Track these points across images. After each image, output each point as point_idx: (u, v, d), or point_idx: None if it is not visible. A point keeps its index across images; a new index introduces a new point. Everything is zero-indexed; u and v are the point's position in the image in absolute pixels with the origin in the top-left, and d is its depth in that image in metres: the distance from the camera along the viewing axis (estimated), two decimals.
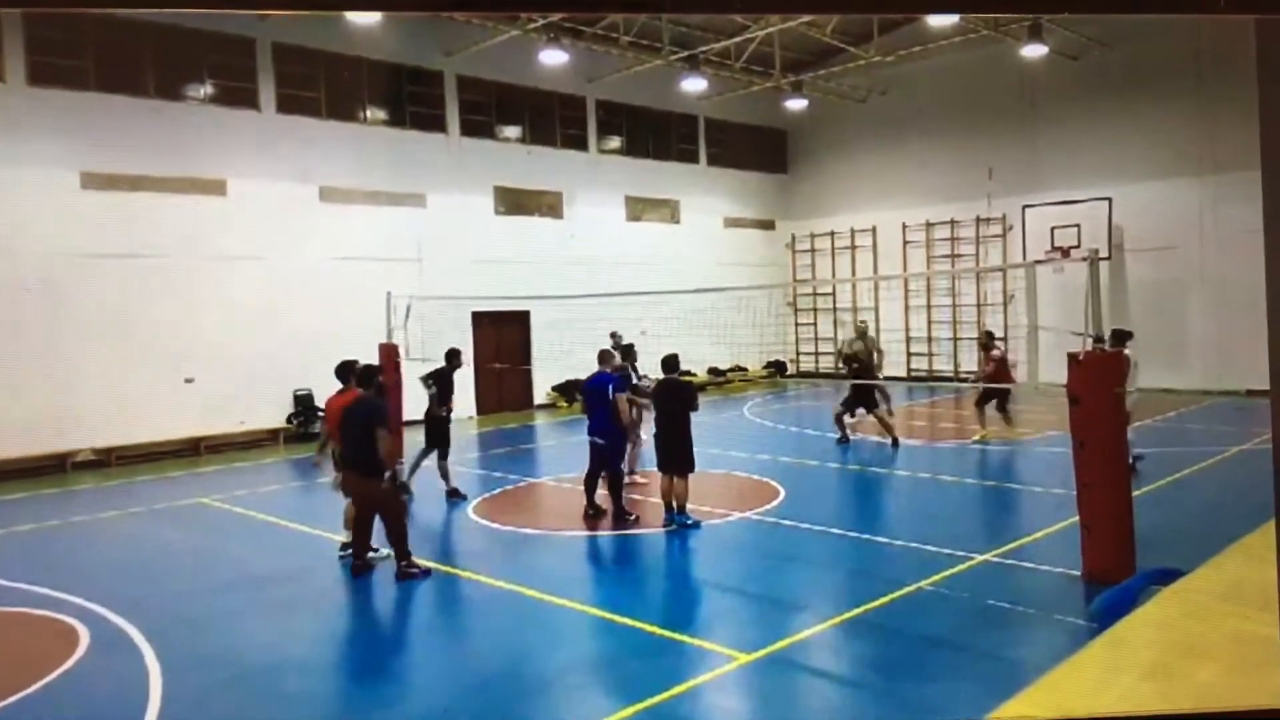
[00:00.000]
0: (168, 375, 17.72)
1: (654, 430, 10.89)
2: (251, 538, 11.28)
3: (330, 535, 10.79)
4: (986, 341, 16.50)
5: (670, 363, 10.94)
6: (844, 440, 15.91)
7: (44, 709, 6.34)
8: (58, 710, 6.39)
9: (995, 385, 15.49)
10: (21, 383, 16.01)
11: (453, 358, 12.94)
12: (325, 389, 19.11)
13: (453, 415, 12.98)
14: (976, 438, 15.98)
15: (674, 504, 10.61)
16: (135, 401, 17.28)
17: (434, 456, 12.79)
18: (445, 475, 12.73)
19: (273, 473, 12.66)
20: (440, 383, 12.83)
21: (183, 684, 6.82)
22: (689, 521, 10.51)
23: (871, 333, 17.13)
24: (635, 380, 12.35)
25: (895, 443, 15.46)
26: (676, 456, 10.62)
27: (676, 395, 10.79)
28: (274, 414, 19.10)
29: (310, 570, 9.95)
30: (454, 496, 12.57)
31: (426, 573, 9.11)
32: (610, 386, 11.10)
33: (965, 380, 14.89)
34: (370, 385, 9.54)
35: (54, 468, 16.29)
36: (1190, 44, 22.15)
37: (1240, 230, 21.88)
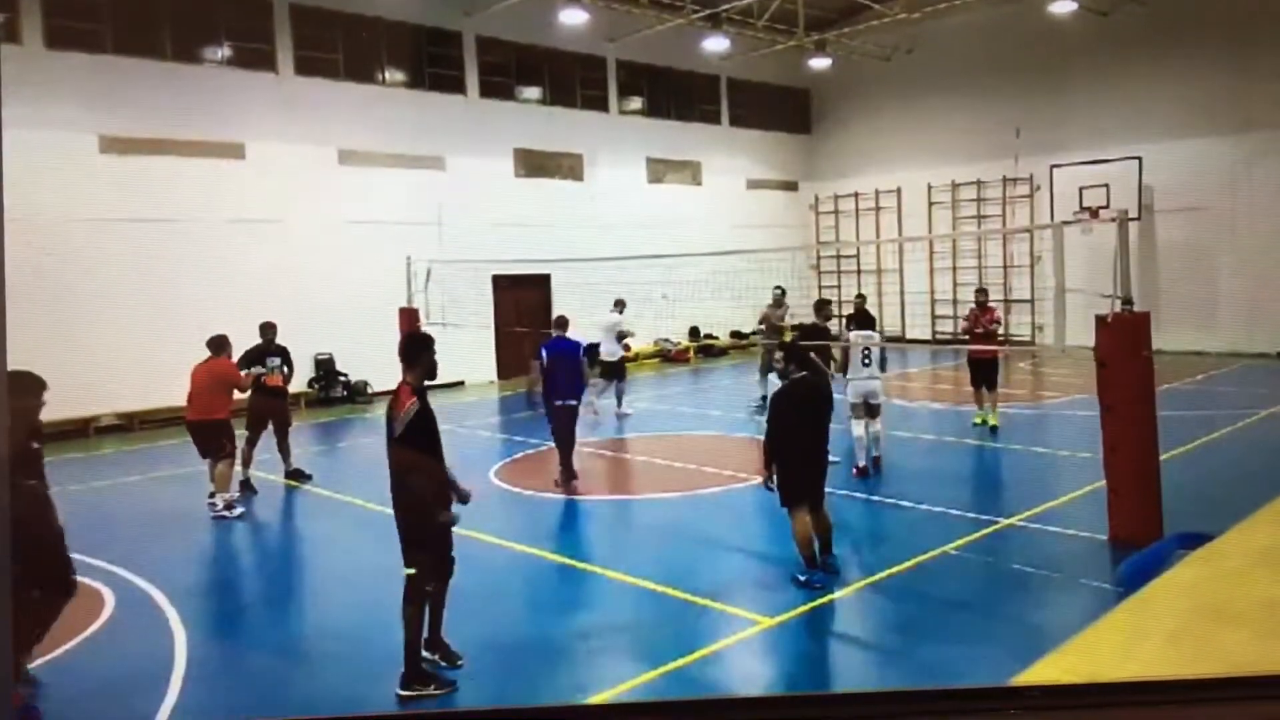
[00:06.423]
0: (188, 339, 17.66)
1: (791, 453, 7.66)
2: (273, 502, 11.34)
3: (354, 500, 10.84)
4: (984, 299, 13.95)
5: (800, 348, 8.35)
6: None
7: (71, 672, 6.40)
8: (85, 673, 6.45)
9: (985, 350, 13.26)
10: (43, 347, 15.80)
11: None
12: (347, 353, 19.49)
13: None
14: (977, 420, 13.78)
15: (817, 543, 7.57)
16: (157, 366, 17.29)
17: None
18: None
19: (294, 437, 12.67)
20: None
21: (207, 646, 6.88)
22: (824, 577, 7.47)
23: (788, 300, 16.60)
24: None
25: None
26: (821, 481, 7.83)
27: (822, 400, 7.96)
28: (295, 378, 19.11)
29: (331, 534, 10.00)
30: None
31: None
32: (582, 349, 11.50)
33: (967, 341, 13.65)
34: None
35: (77, 432, 16.39)
36: None
37: (1274, 190, 21.47)
